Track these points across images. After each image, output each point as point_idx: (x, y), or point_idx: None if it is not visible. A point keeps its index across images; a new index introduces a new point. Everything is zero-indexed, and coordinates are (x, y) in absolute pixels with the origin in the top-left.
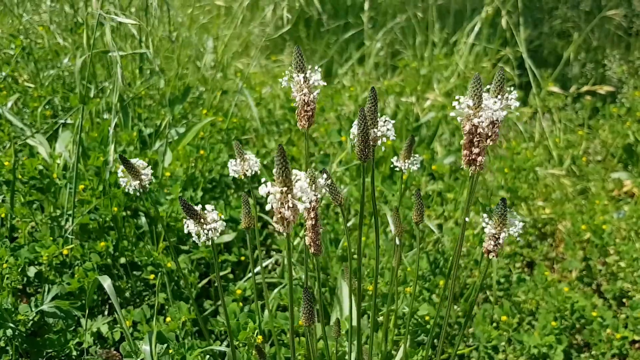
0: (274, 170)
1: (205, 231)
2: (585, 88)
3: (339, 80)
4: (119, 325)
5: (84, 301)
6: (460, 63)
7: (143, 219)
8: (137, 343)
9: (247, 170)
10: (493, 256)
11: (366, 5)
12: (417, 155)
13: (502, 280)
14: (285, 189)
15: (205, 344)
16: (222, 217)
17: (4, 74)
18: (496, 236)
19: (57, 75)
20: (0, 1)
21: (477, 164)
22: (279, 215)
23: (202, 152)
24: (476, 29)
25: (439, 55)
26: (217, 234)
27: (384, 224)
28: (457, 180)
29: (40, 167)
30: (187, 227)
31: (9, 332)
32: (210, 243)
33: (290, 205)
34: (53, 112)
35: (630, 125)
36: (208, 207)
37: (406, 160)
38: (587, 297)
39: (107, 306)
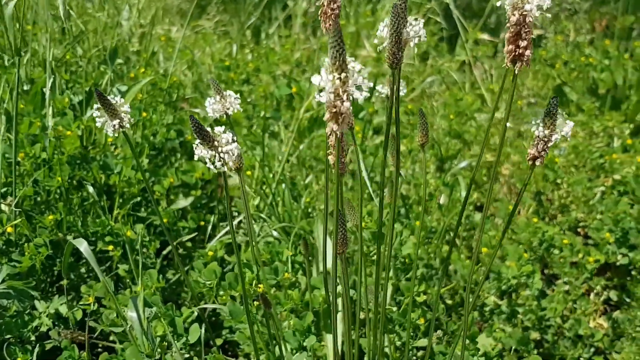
0: (328, 56)
1: (221, 155)
2: None
3: (266, 43)
4: (79, 304)
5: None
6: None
7: (91, 189)
8: (110, 314)
9: (228, 109)
10: (539, 163)
11: None
12: (402, 82)
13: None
14: (343, 75)
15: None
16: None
17: None
18: (546, 139)
19: None
20: None
21: (525, 59)
22: (334, 110)
23: (144, 114)
24: None
25: (366, 11)
26: (233, 157)
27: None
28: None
29: None
30: (199, 152)
31: None
32: (225, 169)
33: (350, 93)
34: None
35: (559, 68)
36: (218, 129)
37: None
38: (551, 227)
39: (55, 287)
